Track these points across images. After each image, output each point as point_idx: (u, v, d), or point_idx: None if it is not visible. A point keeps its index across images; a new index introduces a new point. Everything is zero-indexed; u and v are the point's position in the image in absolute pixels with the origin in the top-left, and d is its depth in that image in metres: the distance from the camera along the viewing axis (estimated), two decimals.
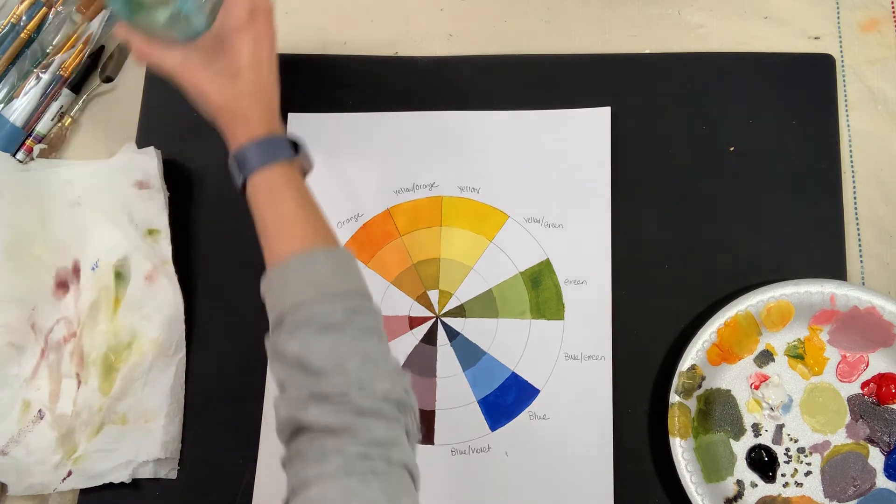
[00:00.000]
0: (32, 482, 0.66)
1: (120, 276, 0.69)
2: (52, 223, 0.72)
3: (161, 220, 0.70)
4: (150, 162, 0.71)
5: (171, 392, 0.68)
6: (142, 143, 0.75)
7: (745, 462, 0.62)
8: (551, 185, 0.70)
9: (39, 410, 0.68)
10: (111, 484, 0.66)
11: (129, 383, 0.67)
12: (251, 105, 0.58)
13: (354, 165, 0.73)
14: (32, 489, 0.66)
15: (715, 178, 0.68)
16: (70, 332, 0.69)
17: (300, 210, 0.55)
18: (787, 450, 0.62)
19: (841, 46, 0.70)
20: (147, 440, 0.66)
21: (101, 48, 0.79)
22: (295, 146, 0.59)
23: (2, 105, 0.76)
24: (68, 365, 0.69)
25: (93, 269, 0.70)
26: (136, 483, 0.67)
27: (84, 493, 0.67)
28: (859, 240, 0.66)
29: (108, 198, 0.71)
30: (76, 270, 0.71)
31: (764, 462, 0.62)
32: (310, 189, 0.57)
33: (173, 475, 0.67)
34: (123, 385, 0.67)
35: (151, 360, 0.68)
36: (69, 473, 0.66)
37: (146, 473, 0.66)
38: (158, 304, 0.68)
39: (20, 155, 0.76)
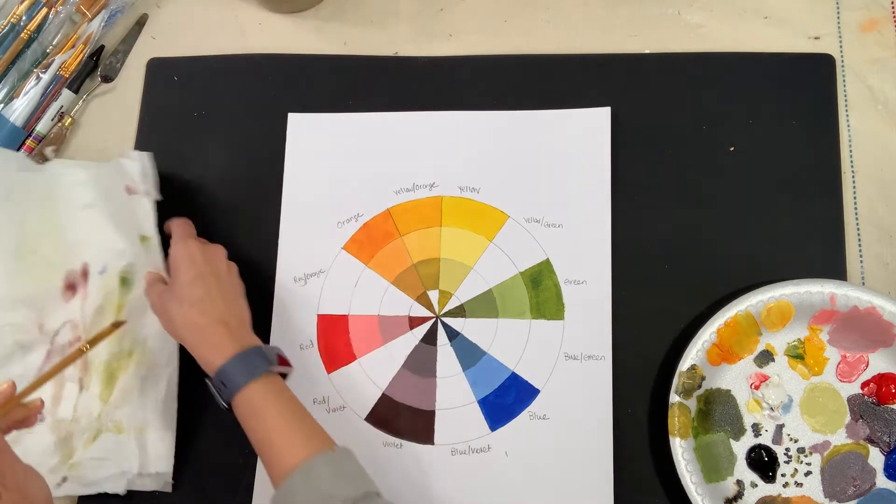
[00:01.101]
0: None
1: (125, 281, 0.68)
2: (64, 224, 0.70)
3: (149, 227, 0.69)
4: (132, 166, 0.70)
5: (164, 405, 0.67)
6: (142, 143, 0.75)
7: (745, 462, 0.62)
8: (551, 185, 0.70)
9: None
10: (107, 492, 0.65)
11: (126, 392, 0.66)
12: (214, 327, 0.59)
13: (354, 165, 0.73)
14: None
15: (715, 178, 0.68)
16: (75, 335, 0.69)
17: (288, 422, 0.56)
18: (787, 450, 0.62)
19: (841, 46, 0.70)
20: (140, 452, 0.66)
21: (101, 48, 0.79)
22: (268, 355, 0.59)
23: (2, 105, 0.76)
24: (72, 369, 0.68)
25: (100, 272, 0.69)
26: (132, 491, 0.66)
27: (82, 499, 0.67)
28: (859, 240, 0.66)
29: (115, 202, 0.70)
30: (84, 273, 0.69)
31: (764, 462, 0.62)
32: (292, 395, 0.58)
33: (168, 489, 0.66)
34: (121, 393, 0.66)
35: (146, 370, 0.67)
36: (64, 479, 0.65)
37: (141, 486, 0.66)
38: (151, 314, 0.67)
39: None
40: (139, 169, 0.70)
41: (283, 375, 0.61)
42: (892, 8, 0.71)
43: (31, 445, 0.66)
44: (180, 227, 0.67)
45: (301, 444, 0.55)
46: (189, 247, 0.64)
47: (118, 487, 0.65)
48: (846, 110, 0.69)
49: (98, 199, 0.70)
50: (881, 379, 0.62)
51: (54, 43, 0.79)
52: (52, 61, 0.77)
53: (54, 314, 0.69)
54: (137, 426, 0.66)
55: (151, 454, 0.66)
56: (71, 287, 0.69)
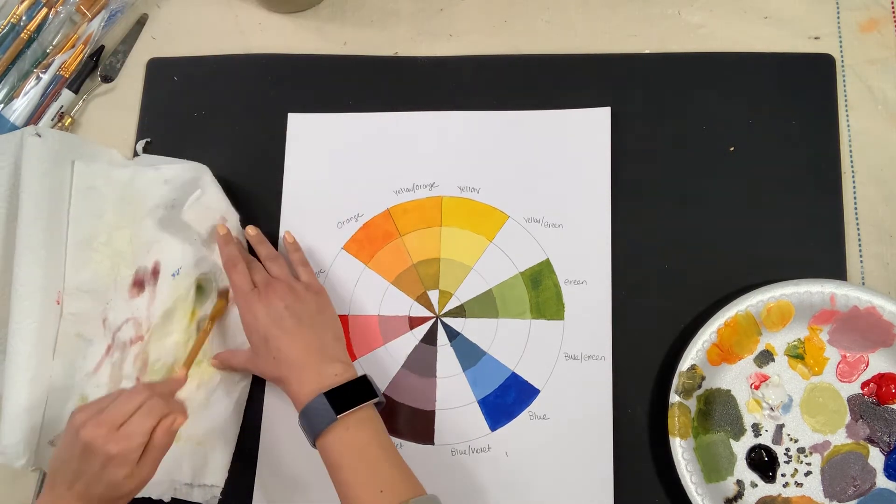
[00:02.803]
0: None
1: (201, 289, 0.68)
2: (142, 221, 0.69)
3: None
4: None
5: (231, 419, 0.66)
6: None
7: (745, 462, 0.62)
8: (551, 185, 0.70)
9: None
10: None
11: (189, 401, 0.65)
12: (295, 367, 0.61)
13: (354, 165, 0.73)
14: None
15: (715, 178, 0.68)
16: (137, 334, 0.67)
17: (388, 462, 0.57)
18: (787, 450, 0.62)
19: (841, 46, 0.70)
20: (195, 463, 0.64)
21: (101, 48, 0.79)
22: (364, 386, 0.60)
23: (2, 105, 0.76)
24: (130, 367, 0.67)
25: (173, 275, 0.67)
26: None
27: None
28: (859, 240, 0.66)
29: (200, 206, 0.69)
30: (155, 272, 0.68)
31: (764, 462, 0.62)
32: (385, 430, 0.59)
33: (214, 503, 0.65)
34: (184, 401, 0.65)
35: (217, 382, 0.66)
36: None
37: (187, 496, 0.64)
38: (233, 328, 0.67)
39: None
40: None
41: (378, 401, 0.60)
42: (892, 8, 0.71)
43: None
44: (233, 277, 0.66)
45: (391, 487, 0.55)
46: (246, 306, 0.64)
47: (164, 494, 0.63)
48: (846, 110, 0.69)
49: (181, 201, 0.69)
50: (881, 379, 0.62)
51: (54, 43, 0.79)
52: (52, 61, 0.77)
53: (119, 309, 0.68)
54: (196, 436, 0.65)
55: (207, 466, 0.65)
56: (139, 284, 0.68)
